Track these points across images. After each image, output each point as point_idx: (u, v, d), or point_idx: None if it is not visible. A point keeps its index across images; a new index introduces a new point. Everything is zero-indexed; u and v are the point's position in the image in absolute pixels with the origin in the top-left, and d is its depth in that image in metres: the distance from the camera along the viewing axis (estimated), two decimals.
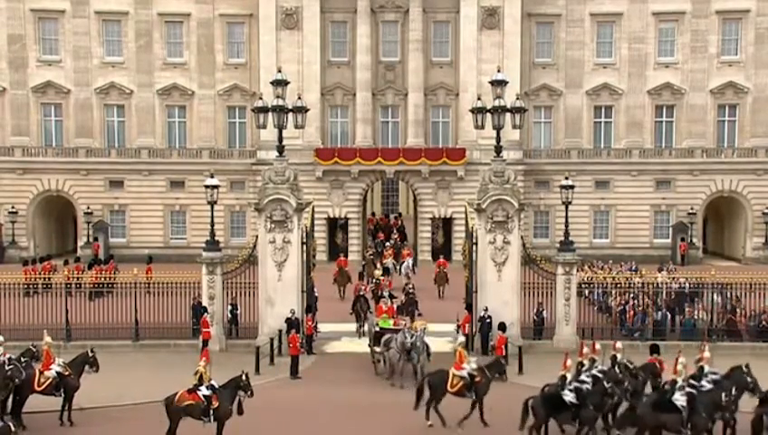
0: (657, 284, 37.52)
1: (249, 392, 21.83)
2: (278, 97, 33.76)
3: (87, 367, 24.66)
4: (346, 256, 53.64)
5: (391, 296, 34.17)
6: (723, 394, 21.30)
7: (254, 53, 60.76)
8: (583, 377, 22.18)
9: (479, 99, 35.35)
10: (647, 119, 62.18)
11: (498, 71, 35.98)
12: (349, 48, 60.56)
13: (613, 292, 37.95)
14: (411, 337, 27.33)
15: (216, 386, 21.67)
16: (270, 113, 33.81)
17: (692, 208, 61.11)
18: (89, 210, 60.76)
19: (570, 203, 36.55)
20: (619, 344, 24.42)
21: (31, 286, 37.42)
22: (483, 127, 34.28)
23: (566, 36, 61.65)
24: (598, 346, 24.11)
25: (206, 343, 30.96)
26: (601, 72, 62.02)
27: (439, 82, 60.68)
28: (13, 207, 60.70)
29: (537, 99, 61.78)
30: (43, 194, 61.68)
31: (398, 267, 51.49)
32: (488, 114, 33.76)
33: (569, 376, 22.40)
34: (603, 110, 62.56)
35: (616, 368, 22.97)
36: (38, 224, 62.53)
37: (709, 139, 61.86)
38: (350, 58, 60.51)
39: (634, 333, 34.40)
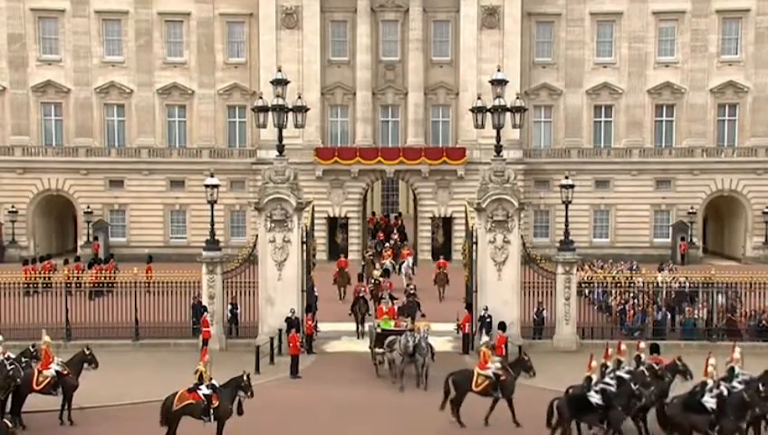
0: (658, 283, 37.53)
1: (249, 393, 21.82)
2: (278, 96, 33.75)
3: (86, 365, 24.64)
4: (346, 255, 53.62)
5: (392, 298, 34.11)
6: (757, 393, 20.95)
7: (254, 53, 60.75)
8: (607, 379, 21.89)
9: (479, 98, 35.36)
10: (647, 118, 62.17)
11: (498, 70, 35.99)
12: (349, 47, 60.55)
13: (613, 291, 37.94)
14: (415, 339, 27.21)
15: (217, 385, 21.68)
16: (270, 113, 33.81)
17: (692, 208, 61.11)
18: (89, 210, 60.76)
19: (570, 202, 36.53)
20: (642, 344, 24.12)
21: (31, 286, 37.37)
22: (483, 126, 34.28)
23: (566, 36, 61.64)
24: (624, 347, 23.77)
25: (206, 342, 30.93)
26: (601, 72, 62.01)
27: (439, 82, 60.67)
28: (13, 207, 60.71)
29: (537, 98, 61.78)
30: (43, 193, 61.68)
31: (397, 267, 51.40)
32: (488, 113, 33.75)
33: (594, 377, 22.05)
34: (603, 109, 62.55)
35: (640, 368, 22.73)
36: (38, 223, 62.53)
37: (709, 138, 61.86)
38: (350, 57, 60.50)
39: (634, 333, 34.38)
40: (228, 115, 62.54)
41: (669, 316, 35.34)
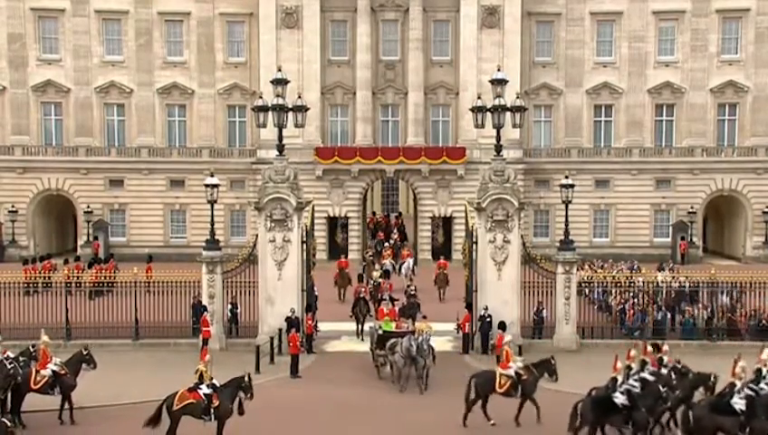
0: (658, 283, 37.52)
1: (249, 395, 21.79)
2: (278, 96, 33.76)
3: (84, 365, 24.64)
4: (346, 255, 53.64)
5: (392, 299, 34.08)
6: None
7: (254, 52, 60.74)
8: (631, 381, 21.72)
9: (479, 98, 35.40)
10: (647, 118, 62.16)
11: (498, 70, 36.02)
12: (349, 47, 60.54)
13: (613, 291, 37.93)
14: (417, 342, 27.03)
15: (217, 385, 21.68)
16: (270, 112, 33.82)
17: (692, 207, 61.09)
18: (89, 209, 60.75)
19: (570, 202, 36.50)
20: (665, 347, 23.99)
21: (31, 285, 37.36)
22: (483, 126, 34.29)
23: (566, 35, 61.62)
24: (649, 348, 23.67)
25: (206, 341, 30.97)
26: (601, 71, 62.00)
27: (439, 81, 60.66)
28: (13, 206, 60.70)
29: (537, 98, 61.77)
30: (43, 193, 61.67)
31: (396, 268, 51.34)
32: (488, 113, 33.77)
33: (619, 378, 21.87)
34: (603, 109, 62.53)
35: (663, 370, 22.60)
36: (38, 223, 62.51)
37: (709, 138, 61.84)
38: (350, 57, 60.49)
39: (634, 333, 34.41)
40: (228, 115, 62.53)
41: (669, 316, 35.32)
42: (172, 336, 33.69)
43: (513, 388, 23.71)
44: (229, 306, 34.68)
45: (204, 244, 35.16)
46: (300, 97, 35.47)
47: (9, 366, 23.31)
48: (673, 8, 61.39)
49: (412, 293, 37.64)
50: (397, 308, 33.45)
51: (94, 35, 61.36)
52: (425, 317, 31.19)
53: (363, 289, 38.89)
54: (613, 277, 39.04)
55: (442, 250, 58.56)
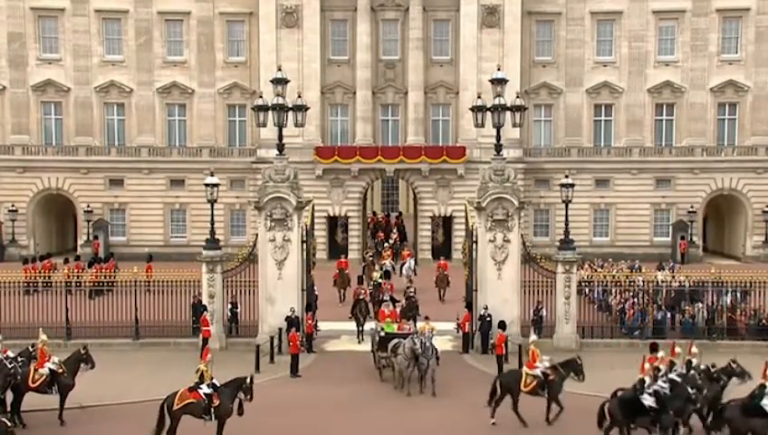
0: (658, 282, 37.51)
1: (249, 397, 21.76)
2: (278, 95, 33.76)
3: (82, 365, 24.61)
4: (346, 255, 53.65)
5: (393, 300, 34.03)
6: None
7: (254, 52, 60.74)
8: (660, 382, 21.58)
9: (479, 97, 35.37)
10: (647, 117, 62.14)
11: (498, 69, 36.05)
12: (349, 46, 60.54)
13: (613, 290, 37.92)
14: (420, 342, 26.80)
15: (218, 384, 21.69)
16: (270, 112, 33.83)
17: (692, 207, 61.09)
18: (89, 209, 60.75)
19: (570, 201, 36.46)
20: (694, 349, 23.79)
21: (31, 285, 37.42)
22: (483, 125, 34.27)
23: (566, 34, 61.61)
24: (678, 349, 23.57)
25: (206, 341, 30.93)
26: (601, 71, 61.99)
27: (439, 81, 60.66)
28: (13, 206, 60.70)
29: (537, 97, 61.77)
30: (43, 192, 61.67)
31: (396, 268, 51.24)
32: (488, 112, 33.75)
33: (647, 380, 21.72)
34: (603, 108, 62.52)
35: (692, 372, 22.38)
36: (38, 222, 62.51)
37: (709, 137, 61.83)
38: (350, 56, 60.49)
39: (634, 332, 34.41)
40: (228, 114, 62.52)
41: (669, 315, 35.30)
42: (172, 336, 33.68)
43: (539, 387, 23.62)
44: (229, 306, 34.68)
45: (204, 243, 35.17)
46: (300, 96, 35.48)
47: (9, 366, 23.34)
48: (673, 7, 61.37)
49: (411, 294, 37.58)
50: (398, 309, 33.39)
51: (94, 35, 61.36)
52: (427, 318, 31.18)
53: (363, 291, 38.78)
54: (613, 277, 39.04)
55: (442, 249, 58.58)
